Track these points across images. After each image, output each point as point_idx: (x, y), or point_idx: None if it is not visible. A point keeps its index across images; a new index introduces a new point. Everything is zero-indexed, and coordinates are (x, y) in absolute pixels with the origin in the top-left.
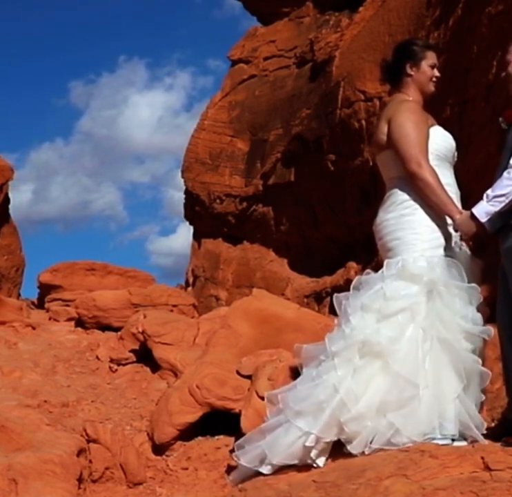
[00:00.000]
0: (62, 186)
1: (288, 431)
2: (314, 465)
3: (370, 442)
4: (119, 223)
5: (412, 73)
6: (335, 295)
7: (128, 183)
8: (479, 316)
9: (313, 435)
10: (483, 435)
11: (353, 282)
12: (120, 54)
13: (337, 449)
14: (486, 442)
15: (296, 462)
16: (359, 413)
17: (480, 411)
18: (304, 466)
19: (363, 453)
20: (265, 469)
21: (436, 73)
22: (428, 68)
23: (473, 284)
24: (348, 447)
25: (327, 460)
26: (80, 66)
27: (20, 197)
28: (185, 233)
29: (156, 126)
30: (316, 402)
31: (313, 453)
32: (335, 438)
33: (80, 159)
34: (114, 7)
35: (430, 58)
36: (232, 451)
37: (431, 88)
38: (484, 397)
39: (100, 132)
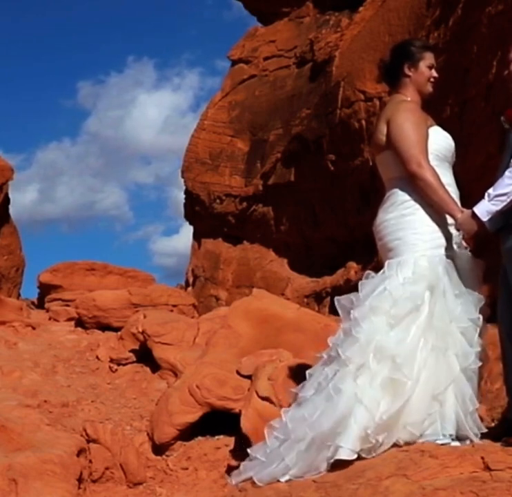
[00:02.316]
0: (68, 186)
1: (310, 446)
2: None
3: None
4: (125, 223)
5: (410, 74)
6: (336, 298)
7: (133, 183)
8: (480, 316)
9: (345, 449)
10: (482, 434)
11: (359, 286)
12: (129, 54)
13: None
14: (481, 441)
15: (314, 472)
16: (381, 420)
17: (479, 410)
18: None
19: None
20: (284, 478)
21: (434, 74)
22: (426, 69)
23: (474, 286)
24: (361, 453)
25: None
26: (89, 66)
27: (26, 197)
28: (188, 233)
29: (163, 127)
30: (340, 416)
31: (330, 460)
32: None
33: (86, 160)
34: (125, 7)
35: (428, 59)
36: (232, 451)
37: (429, 88)
38: (480, 399)
39: (107, 132)
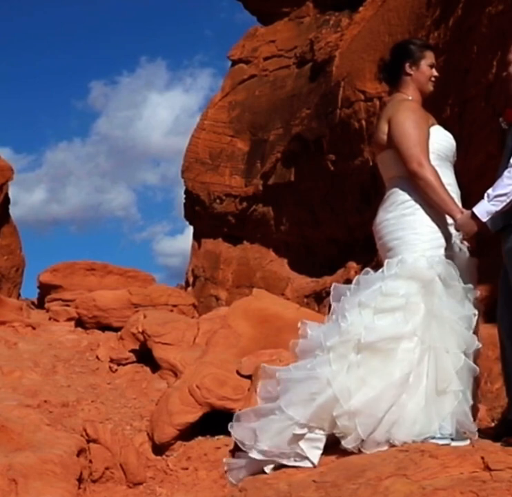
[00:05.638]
0: (77, 187)
1: (280, 417)
2: (303, 455)
3: (368, 440)
4: (133, 224)
5: (412, 72)
6: (334, 284)
7: (141, 184)
8: (475, 318)
9: (302, 424)
10: (483, 434)
11: (354, 281)
12: (142, 54)
13: (337, 449)
14: (479, 440)
15: (286, 450)
16: (352, 410)
17: (474, 411)
18: (300, 459)
19: (359, 451)
20: (256, 455)
21: (435, 73)
22: (427, 68)
23: (471, 285)
24: (342, 442)
25: (322, 455)
26: (102, 66)
27: (35, 197)
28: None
29: (172, 128)
30: (307, 393)
31: (303, 444)
32: (327, 431)
33: (96, 160)
34: (140, 8)
35: (429, 57)
36: (232, 451)
37: (430, 87)
38: (480, 398)
39: (117, 133)
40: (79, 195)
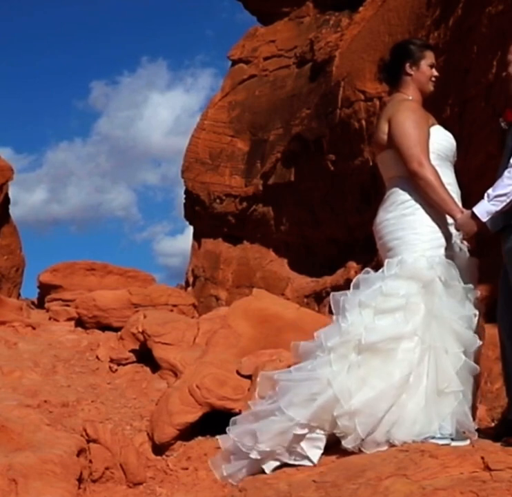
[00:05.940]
0: (77, 187)
1: (280, 418)
2: (304, 454)
3: (368, 440)
4: (133, 224)
5: (412, 72)
6: (333, 293)
7: (142, 184)
8: (475, 318)
9: (303, 424)
10: (483, 434)
11: (353, 281)
12: (144, 54)
13: (337, 449)
14: (479, 440)
15: (286, 449)
16: (353, 409)
17: (474, 411)
18: (299, 456)
19: (359, 451)
20: (256, 456)
21: (435, 73)
22: (427, 68)
23: (471, 285)
24: (343, 442)
25: (322, 455)
26: (102, 67)
27: (36, 197)
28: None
29: (173, 127)
30: (308, 393)
31: (304, 443)
32: (328, 431)
33: (96, 160)
34: (142, 8)
35: (429, 57)
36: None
37: (430, 87)
38: (480, 398)
39: (117, 133)
40: (79, 194)
